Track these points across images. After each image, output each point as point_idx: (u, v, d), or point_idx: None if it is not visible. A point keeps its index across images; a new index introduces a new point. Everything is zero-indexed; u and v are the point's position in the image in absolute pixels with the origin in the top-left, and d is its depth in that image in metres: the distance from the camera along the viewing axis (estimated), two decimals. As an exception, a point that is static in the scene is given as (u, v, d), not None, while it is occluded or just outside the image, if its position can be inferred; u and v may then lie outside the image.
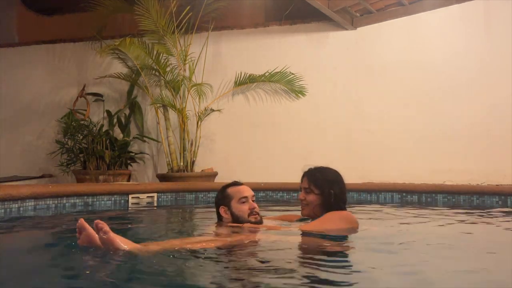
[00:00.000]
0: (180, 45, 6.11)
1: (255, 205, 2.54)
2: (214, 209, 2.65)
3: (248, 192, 2.56)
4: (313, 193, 2.53)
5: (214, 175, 6.01)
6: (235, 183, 2.62)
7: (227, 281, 1.63)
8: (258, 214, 2.54)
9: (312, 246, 2.25)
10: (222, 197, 2.58)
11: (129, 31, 6.36)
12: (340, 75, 6.07)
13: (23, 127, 7.07)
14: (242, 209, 2.51)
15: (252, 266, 1.83)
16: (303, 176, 2.62)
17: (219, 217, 2.60)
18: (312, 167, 2.64)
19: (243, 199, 2.52)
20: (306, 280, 1.62)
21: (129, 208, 4.12)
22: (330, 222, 2.46)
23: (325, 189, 2.51)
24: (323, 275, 1.70)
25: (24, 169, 6.77)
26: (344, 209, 2.57)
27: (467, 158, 5.49)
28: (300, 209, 2.63)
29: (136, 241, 1.87)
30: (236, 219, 2.51)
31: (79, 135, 6.15)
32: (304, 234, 2.41)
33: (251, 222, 2.49)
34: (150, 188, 4.52)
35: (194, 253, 1.90)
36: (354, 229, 2.49)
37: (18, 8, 7.35)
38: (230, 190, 2.58)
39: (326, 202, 2.51)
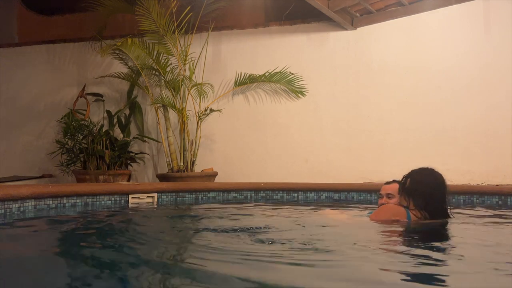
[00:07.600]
0: (180, 45, 6.11)
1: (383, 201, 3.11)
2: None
3: (383, 190, 3.20)
4: None
5: (214, 175, 6.01)
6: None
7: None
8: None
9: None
10: None
11: (129, 31, 6.38)
12: (340, 75, 6.07)
13: (23, 127, 7.07)
14: None
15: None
16: None
17: None
18: None
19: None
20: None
21: (129, 208, 4.11)
22: None
23: None
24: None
25: (24, 169, 6.77)
26: None
27: (467, 158, 5.49)
28: None
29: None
30: None
31: (79, 135, 6.16)
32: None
33: None
34: (150, 188, 4.51)
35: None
36: None
37: (18, 8, 7.36)
38: None
39: None
